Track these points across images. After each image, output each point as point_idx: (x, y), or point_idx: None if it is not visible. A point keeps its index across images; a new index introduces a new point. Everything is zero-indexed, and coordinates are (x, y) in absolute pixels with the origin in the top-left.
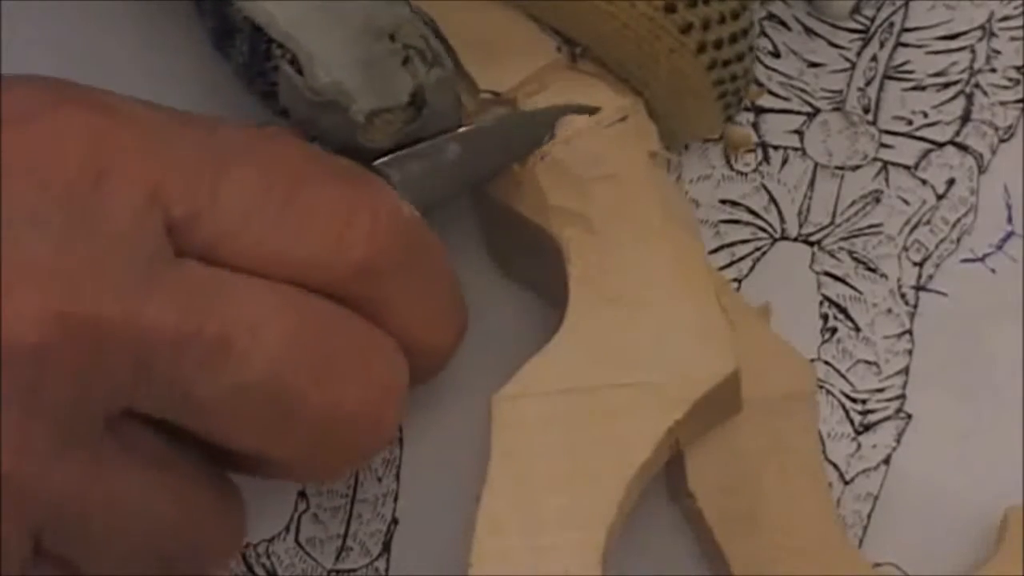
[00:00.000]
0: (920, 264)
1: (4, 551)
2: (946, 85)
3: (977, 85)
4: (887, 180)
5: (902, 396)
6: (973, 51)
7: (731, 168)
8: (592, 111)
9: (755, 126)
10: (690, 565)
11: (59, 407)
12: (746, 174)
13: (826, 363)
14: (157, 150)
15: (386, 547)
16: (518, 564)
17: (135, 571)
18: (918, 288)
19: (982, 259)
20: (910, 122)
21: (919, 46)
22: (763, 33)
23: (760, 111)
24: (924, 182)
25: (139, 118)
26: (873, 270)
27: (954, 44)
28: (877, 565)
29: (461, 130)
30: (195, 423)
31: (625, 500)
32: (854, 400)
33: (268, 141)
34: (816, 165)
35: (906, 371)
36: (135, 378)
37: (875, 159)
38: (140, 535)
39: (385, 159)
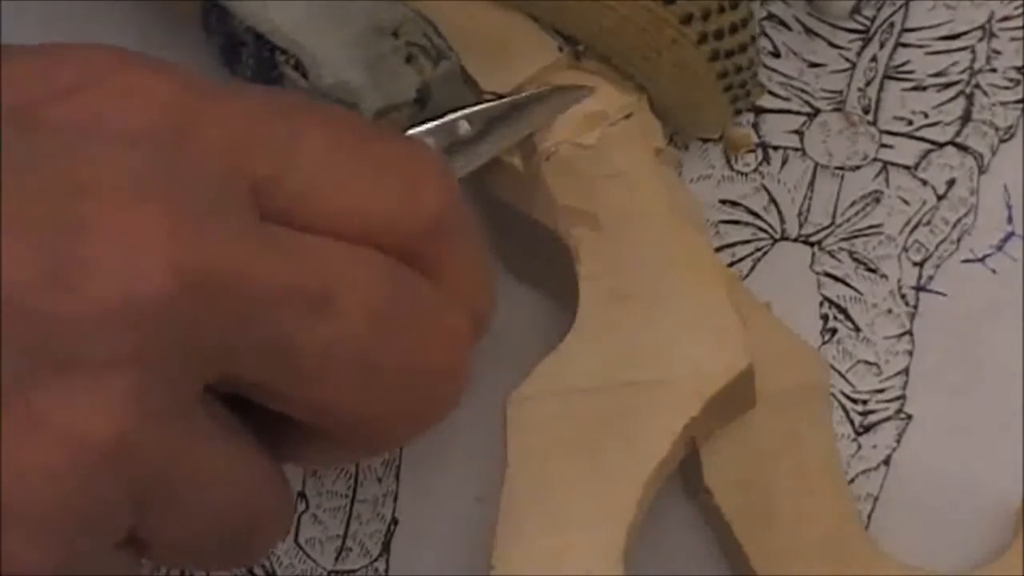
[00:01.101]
0: (920, 264)
1: (109, 523)
2: (946, 85)
3: (977, 85)
4: (887, 180)
5: (902, 396)
6: (973, 51)
7: (731, 168)
8: (588, 91)
9: (755, 126)
10: (709, 562)
11: (171, 367)
12: (746, 174)
13: None
14: (232, 110)
15: (386, 547)
16: (539, 565)
17: (201, 549)
18: (918, 288)
19: (982, 259)
20: (910, 122)
21: (919, 46)
22: (763, 33)
23: (760, 111)
24: (924, 182)
25: (205, 81)
26: (873, 270)
27: (954, 44)
28: (891, 558)
29: (468, 109)
30: (291, 381)
31: (643, 498)
32: (854, 400)
33: (326, 103)
34: (816, 165)
35: (906, 371)
36: (241, 334)
37: (875, 159)
38: (217, 510)
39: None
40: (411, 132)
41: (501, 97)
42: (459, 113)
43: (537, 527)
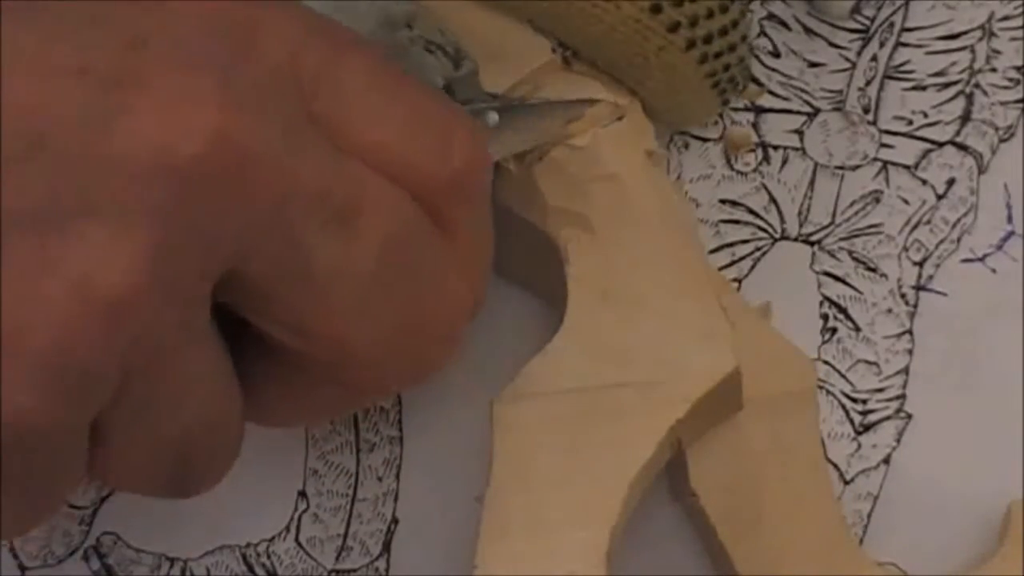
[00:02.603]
0: (920, 264)
1: (98, 384)
2: (946, 85)
3: (977, 85)
4: (887, 180)
5: (902, 396)
6: (973, 51)
7: (731, 168)
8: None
9: (755, 126)
10: (693, 564)
11: (191, 242)
12: (746, 174)
13: (826, 363)
14: (289, 15)
15: (386, 547)
16: (523, 565)
17: (152, 463)
18: (918, 288)
19: (982, 259)
20: (910, 122)
21: (919, 46)
22: (763, 33)
23: (760, 111)
24: (924, 182)
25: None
26: (873, 270)
27: (954, 44)
28: (878, 565)
29: (500, 102)
30: (295, 292)
31: (628, 500)
32: (854, 400)
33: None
34: (816, 165)
35: (906, 371)
36: (262, 228)
37: (875, 159)
38: (186, 419)
39: None
40: None
41: (494, 97)
42: (489, 103)
43: (521, 527)
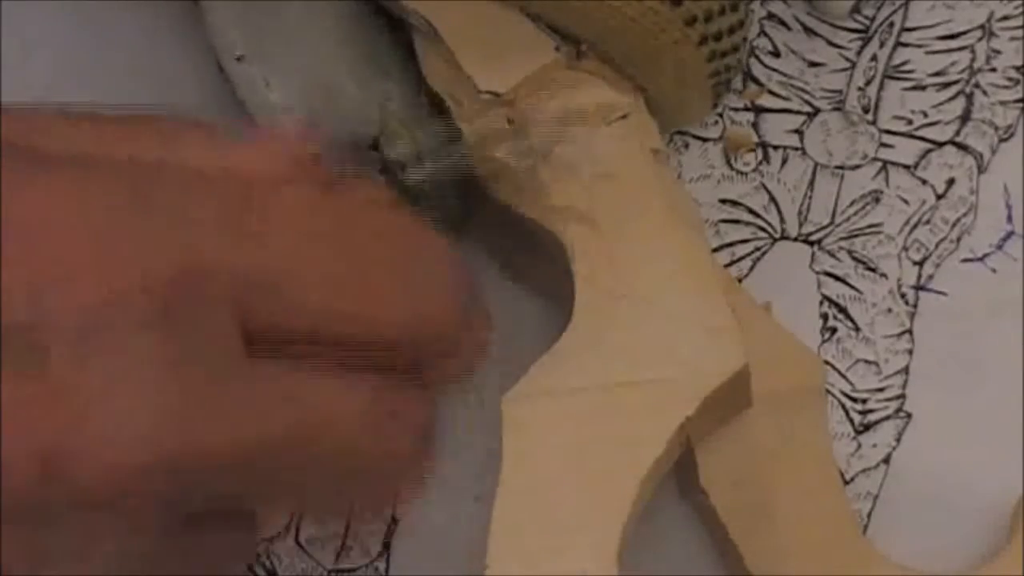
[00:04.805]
0: (920, 264)
1: None
2: (946, 85)
3: (977, 85)
4: (887, 180)
5: (902, 396)
6: (973, 51)
7: (731, 168)
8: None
9: (755, 126)
10: (704, 561)
11: (150, 512)
12: (746, 174)
13: (826, 363)
14: (239, 253)
15: (386, 547)
16: (534, 565)
17: None
18: (918, 288)
19: (982, 259)
20: (910, 122)
21: (919, 46)
22: (763, 33)
23: (760, 111)
24: (924, 182)
25: (220, 222)
26: (873, 270)
27: (954, 44)
28: (888, 560)
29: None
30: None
31: (639, 498)
32: (854, 400)
33: (336, 207)
34: (816, 165)
35: (906, 370)
36: (207, 488)
37: (875, 159)
38: None
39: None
40: None
41: (498, 96)
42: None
43: (532, 526)
